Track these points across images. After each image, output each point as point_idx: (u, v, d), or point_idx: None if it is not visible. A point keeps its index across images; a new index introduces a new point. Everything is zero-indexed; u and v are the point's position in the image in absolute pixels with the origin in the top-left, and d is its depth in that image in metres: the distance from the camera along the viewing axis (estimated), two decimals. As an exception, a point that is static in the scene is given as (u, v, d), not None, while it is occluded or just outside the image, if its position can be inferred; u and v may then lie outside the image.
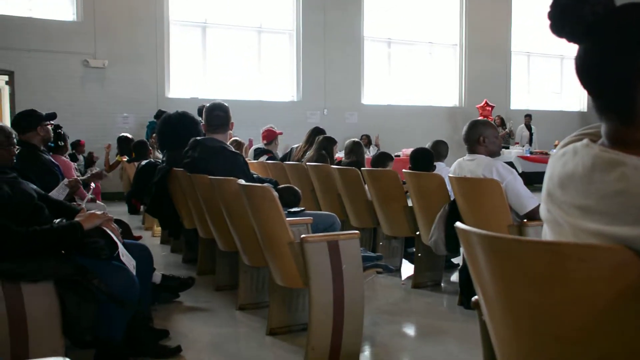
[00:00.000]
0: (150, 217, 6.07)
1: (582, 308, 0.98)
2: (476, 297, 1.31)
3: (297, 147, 6.32)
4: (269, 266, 2.99)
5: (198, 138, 3.83)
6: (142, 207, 6.68)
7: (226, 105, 3.89)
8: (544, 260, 1.01)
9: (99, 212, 2.60)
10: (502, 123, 12.95)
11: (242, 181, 3.08)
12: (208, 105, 3.92)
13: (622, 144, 1.01)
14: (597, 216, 0.97)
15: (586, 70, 1.06)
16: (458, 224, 1.22)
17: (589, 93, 1.07)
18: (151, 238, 6.09)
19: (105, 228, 2.52)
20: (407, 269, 4.58)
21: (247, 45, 11.93)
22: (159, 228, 5.79)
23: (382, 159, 5.09)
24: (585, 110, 14.87)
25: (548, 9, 1.06)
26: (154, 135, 9.15)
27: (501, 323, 1.18)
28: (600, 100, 1.06)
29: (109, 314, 2.38)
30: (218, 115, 3.80)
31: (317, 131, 6.06)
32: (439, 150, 4.88)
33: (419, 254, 4.09)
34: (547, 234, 1.15)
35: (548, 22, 1.07)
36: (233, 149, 3.80)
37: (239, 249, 3.38)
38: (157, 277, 3.57)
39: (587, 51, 1.05)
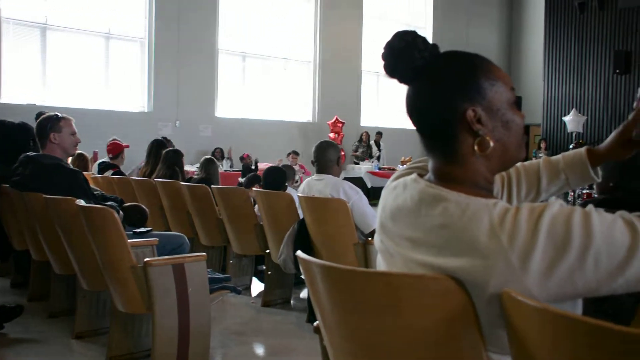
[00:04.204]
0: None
1: (414, 334, 1.03)
2: (317, 322, 1.33)
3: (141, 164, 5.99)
4: (109, 290, 2.82)
5: (30, 154, 3.51)
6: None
7: (49, 115, 3.57)
8: (378, 290, 1.05)
9: None
10: (368, 139, 13.56)
11: (81, 201, 2.88)
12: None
13: (445, 180, 1.08)
14: (424, 248, 1.03)
15: (414, 111, 1.12)
16: (299, 252, 1.23)
17: (417, 131, 1.13)
18: (-25, 260, 5.47)
19: None
20: (257, 286, 4.57)
21: (93, 51, 11.25)
22: (-15, 248, 5.20)
23: (253, 181, 5.06)
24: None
25: (382, 51, 1.11)
26: None
27: (340, 349, 1.21)
28: (426, 139, 1.12)
29: None
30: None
31: (158, 144, 5.79)
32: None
33: (269, 272, 4.09)
34: (380, 264, 1.20)
35: (382, 62, 1.12)
36: (71, 166, 3.54)
37: (77, 272, 3.15)
38: (-22, 306, 3.22)
39: (415, 93, 1.11)
